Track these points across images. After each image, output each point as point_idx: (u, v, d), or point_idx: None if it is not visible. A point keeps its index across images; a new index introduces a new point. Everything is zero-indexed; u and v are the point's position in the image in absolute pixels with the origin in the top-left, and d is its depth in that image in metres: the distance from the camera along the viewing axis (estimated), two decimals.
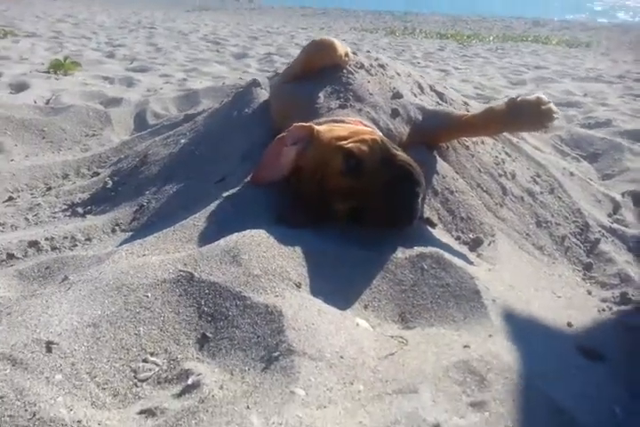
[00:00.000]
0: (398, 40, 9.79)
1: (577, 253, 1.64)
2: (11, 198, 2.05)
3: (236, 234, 1.25)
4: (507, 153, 1.87)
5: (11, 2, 13.93)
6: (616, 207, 1.86)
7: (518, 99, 1.47)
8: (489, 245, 1.50)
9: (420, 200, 1.27)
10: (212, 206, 1.42)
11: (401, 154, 1.31)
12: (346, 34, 10.95)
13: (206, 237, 1.30)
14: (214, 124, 1.92)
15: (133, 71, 4.42)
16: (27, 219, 1.86)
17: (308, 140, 1.38)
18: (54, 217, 1.87)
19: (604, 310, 1.38)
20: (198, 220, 1.39)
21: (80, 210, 1.88)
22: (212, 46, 7.04)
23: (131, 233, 1.62)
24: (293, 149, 1.39)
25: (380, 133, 1.45)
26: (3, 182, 2.14)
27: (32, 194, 2.10)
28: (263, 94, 1.92)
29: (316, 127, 1.39)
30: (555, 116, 1.43)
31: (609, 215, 1.83)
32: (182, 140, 1.94)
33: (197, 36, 8.34)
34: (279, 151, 1.40)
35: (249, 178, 1.46)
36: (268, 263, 1.17)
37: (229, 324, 1.03)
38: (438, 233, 1.46)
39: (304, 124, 1.40)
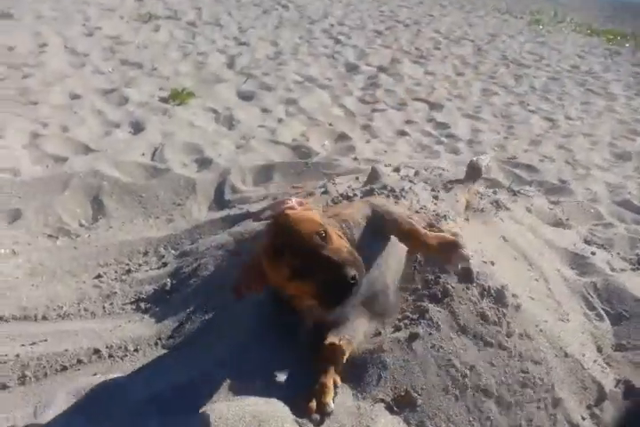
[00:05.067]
0: (538, 36, 9.06)
1: None
2: (99, 276, 2.58)
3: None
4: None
5: None
6: (600, 399, 1.93)
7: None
8: None
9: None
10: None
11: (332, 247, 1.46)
12: (487, 16, 10.35)
13: None
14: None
15: (241, 99, 4.82)
16: (104, 307, 2.38)
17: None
18: (123, 309, 2.37)
19: None
20: None
21: (143, 306, 2.36)
22: (331, 46, 7.18)
23: (165, 352, 2.06)
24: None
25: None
26: (98, 255, 2.69)
27: (116, 272, 2.61)
28: None
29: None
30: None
31: (588, 407, 1.91)
32: (224, 263, 2.32)
33: (323, 26, 8.46)
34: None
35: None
36: None
37: None
38: None
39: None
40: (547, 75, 6.67)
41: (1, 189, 3.01)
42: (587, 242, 2.83)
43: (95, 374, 1.95)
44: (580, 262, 2.57)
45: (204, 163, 3.48)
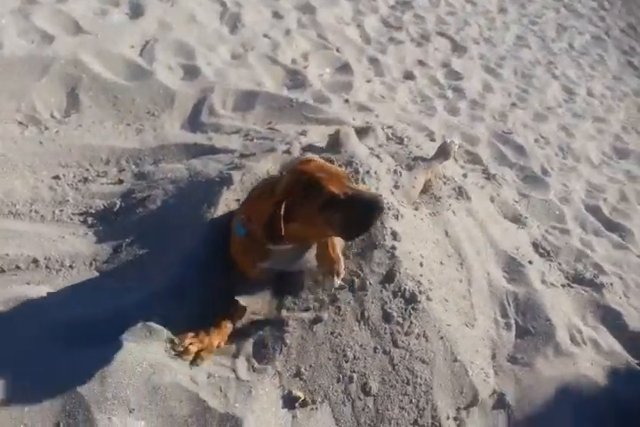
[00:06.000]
0: None
1: None
2: (57, 177, 2.62)
3: None
4: None
5: None
6: (470, 404, 2.12)
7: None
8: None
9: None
10: None
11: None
12: None
13: None
14: (191, 201, 2.32)
15: None
16: (54, 213, 2.46)
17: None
18: (71, 219, 2.46)
19: None
20: None
21: (89, 221, 2.45)
22: None
23: (97, 276, 2.19)
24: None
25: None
26: (61, 155, 2.71)
27: (74, 176, 2.65)
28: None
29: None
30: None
31: (457, 409, 2.11)
32: (171, 201, 2.37)
33: None
34: None
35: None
36: None
37: None
38: None
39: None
40: (595, 31, 6.11)
41: None
42: (534, 245, 2.89)
43: (28, 284, 2.10)
44: (513, 269, 2.65)
45: (190, 71, 3.33)
